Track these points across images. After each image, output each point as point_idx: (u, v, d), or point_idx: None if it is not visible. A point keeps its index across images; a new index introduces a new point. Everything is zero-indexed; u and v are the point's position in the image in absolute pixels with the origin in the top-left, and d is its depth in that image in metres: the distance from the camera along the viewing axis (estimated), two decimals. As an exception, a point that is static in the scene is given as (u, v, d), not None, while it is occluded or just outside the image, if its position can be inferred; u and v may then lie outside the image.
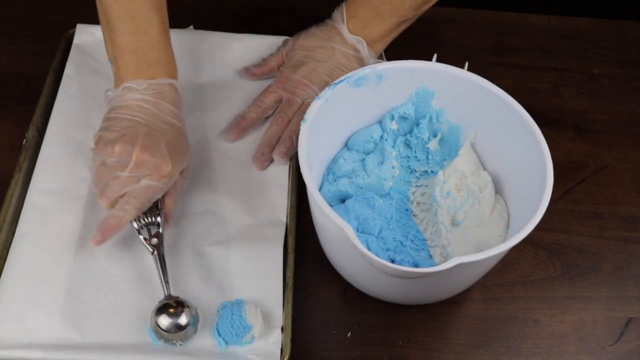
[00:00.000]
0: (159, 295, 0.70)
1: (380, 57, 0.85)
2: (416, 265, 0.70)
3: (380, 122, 0.78)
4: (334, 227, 0.63)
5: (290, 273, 0.72)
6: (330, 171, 0.77)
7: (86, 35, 0.88)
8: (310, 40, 0.84)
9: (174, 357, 0.66)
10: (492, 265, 0.70)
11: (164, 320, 0.67)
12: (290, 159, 0.80)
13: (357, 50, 0.83)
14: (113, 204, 0.70)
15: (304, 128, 0.68)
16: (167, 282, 0.69)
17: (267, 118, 0.83)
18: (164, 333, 0.67)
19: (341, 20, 0.83)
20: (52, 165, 0.78)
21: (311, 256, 0.76)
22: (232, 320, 0.67)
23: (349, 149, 0.79)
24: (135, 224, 0.72)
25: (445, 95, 0.76)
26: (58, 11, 0.94)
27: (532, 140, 0.70)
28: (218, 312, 0.69)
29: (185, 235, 0.75)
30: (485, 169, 0.77)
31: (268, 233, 0.75)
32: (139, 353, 0.66)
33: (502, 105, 0.72)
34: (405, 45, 0.92)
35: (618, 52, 0.98)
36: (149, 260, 0.72)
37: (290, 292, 0.70)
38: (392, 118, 0.77)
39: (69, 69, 0.85)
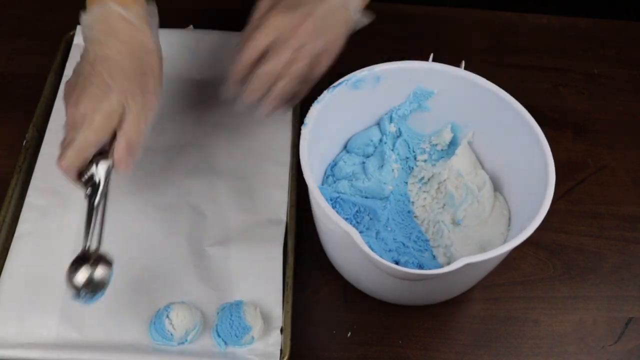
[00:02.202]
0: (160, 295, 0.70)
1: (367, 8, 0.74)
2: (421, 266, 0.70)
3: (378, 124, 0.78)
4: (338, 231, 0.63)
5: (290, 273, 0.71)
6: (330, 174, 0.77)
7: (86, 36, 0.88)
8: None
9: (173, 358, 0.66)
10: (496, 264, 0.70)
11: (78, 274, 0.62)
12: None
13: None
14: None
15: (305, 132, 0.68)
16: (89, 233, 0.64)
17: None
18: (74, 286, 0.62)
19: None
20: (52, 165, 0.77)
21: (311, 256, 0.76)
22: (231, 321, 0.67)
23: (348, 152, 0.78)
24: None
25: (443, 94, 0.76)
26: (58, 11, 0.94)
27: (532, 137, 0.70)
28: (217, 313, 0.69)
29: (184, 235, 0.75)
30: (483, 167, 0.77)
31: (268, 233, 0.75)
32: (139, 353, 0.66)
33: (500, 102, 0.72)
34: (405, 45, 0.92)
35: (618, 52, 0.98)
36: (149, 261, 0.72)
37: (290, 292, 0.70)
38: (391, 120, 0.77)
39: (69, 70, 0.85)
